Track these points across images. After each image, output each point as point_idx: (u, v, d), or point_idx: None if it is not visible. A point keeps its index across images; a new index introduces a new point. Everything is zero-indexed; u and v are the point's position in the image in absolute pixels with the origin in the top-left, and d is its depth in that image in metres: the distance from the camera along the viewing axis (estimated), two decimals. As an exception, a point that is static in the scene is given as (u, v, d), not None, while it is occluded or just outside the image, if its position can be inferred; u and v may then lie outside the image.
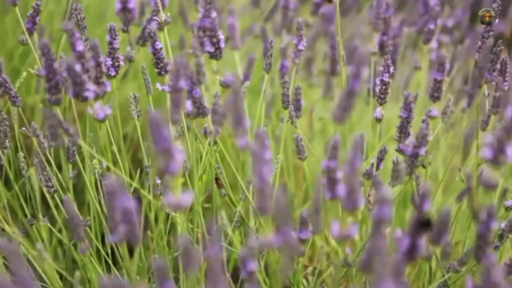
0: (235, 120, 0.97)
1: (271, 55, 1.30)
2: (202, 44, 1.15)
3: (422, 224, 0.87)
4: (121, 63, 1.15)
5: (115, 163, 1.24)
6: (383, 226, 0.79)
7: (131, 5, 1.08)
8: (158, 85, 1.23)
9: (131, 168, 1.56)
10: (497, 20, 1.28)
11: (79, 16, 1.21)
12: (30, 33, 1.25)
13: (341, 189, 0.92)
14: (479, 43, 1.22)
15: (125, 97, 1.61)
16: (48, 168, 1.16)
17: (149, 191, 1.31)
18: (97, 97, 1.04)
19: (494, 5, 1.26)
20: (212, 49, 1.16)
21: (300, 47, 1.33)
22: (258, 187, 0.82)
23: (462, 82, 1.86)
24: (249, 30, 1.80)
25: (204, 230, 1.23)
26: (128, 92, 1.69)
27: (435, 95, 1.10)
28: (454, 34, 1.82)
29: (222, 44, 1.17)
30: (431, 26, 1.42)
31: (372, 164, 1.29)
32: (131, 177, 1.45)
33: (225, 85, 1.31)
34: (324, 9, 1.77)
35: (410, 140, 1.06)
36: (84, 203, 1.37)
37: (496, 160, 0.81)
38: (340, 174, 0.93)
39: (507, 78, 1.17)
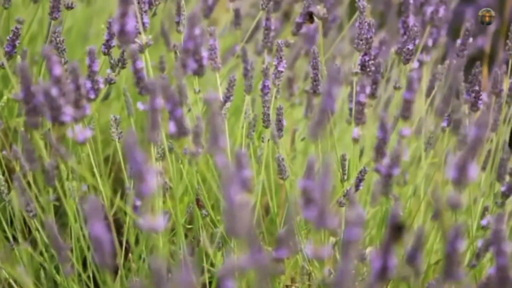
0: (212, 139, 0.98)
1: (251, 77, 1.32)
2: (184, 66, 1.16)
3: (395, 229, 0.88)
4: (101, 86, 1.16)
5: (96, 185, 1.25)
6: (353, 247, 0.79)
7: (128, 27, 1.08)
8: (139, 105, 1.24)
9: (113, 187, 1.57)
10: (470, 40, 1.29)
11: (58, 39, 1.23)
12: (10, 57, 1.26)
13: (316, 209, 0.92)
14: (454, 62, 1.24)
15: (108, 118, 1.62)
16: (28, 191, 1.16)
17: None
18: (76, 120, 1.05)
19: (468, 24, 1.28)
20: (195, 67, 1.17)
21: (280, 69, 1.35)
22: (227, 208, 0.83)
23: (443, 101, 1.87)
24: (230, 51, 1.82)
25: (185, 252, 1.23)
26: (111, 113, 1.69)
27: (405, 114, 1.10)
28: (435, 52, 1.84)
29: (205, 62, 1.19)
30: (410, 46, 1.43)
31: (351, 185, 1.30)
32: (113, 198, 1.46)
33: (207, 103, 1.32)
34: (306, 29, 1.78)
35: (386, 160, 1.06)
36: (67, 225, 1.38)
37: (459, 180, 0.82)
38: (316, 194, 0.94)
39: (481, 97, 1.19)
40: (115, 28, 1.07)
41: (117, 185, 1.64)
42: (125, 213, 1.31)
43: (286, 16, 2.02)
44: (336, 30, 2.07)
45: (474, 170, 0.84)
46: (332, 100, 0.89)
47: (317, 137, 0.91)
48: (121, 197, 1.46)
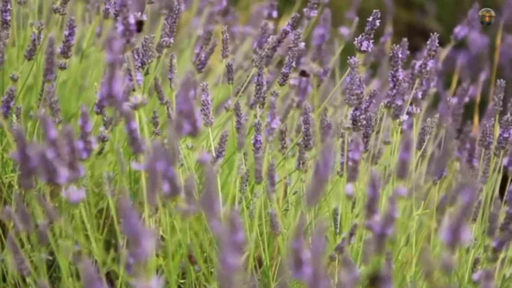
0: (206, 203, 0.99)
1: (243, 134, 1.33)
2: (179, 129, 1.17)
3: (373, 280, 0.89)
4: (93, 146, 1.17)
5: (89, 242, 1.25)
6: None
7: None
8: (133, 164, 1.25)
9: (107, 239, 1.57)
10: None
11: (52, 99, 1.24)
12: (5, 117, 1.28)
13: (307, 270, 0.93)
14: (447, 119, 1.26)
15: (102, 170, 1.62)
16: (21, 250, 1.17)
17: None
18: (70, 181, 1.06)
19: (465, 84, 1.30)
20: (189, 129, 1.18)
21: (273, 125, 1.37)
22: (221, 271, 0.84)
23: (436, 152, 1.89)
24: (224, 102, 1.83)
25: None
26: (106, 165, 1.70)
27: (401, 174, 1.12)
28: (426, 100, 1.85)
29: (199, 124, 1.20)
30: (399, 102, 1.45)
31: (344, 239, 1.31)
32: (107, 251, 1.46)
33: (201, 163, 1.33)
34: (298, 80, 1.80)
35: (377, 218, 1.07)
36: (60, 279, 1.38)
37: (453, 243, 0.83)
38: (306, 255, 0.94)
39: (475, 155, 1.21)
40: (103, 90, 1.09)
41: (111, 237, 1.65)
42: (119, 266, 1.32)
43: (279, 67, 2.04)
44: (328, 79, 2.09)
45: (467, 233, 0.85)
46: (327, 170, 0.90)
47: (313, 205, 0.92)
48: (115, 249, 1.46)
